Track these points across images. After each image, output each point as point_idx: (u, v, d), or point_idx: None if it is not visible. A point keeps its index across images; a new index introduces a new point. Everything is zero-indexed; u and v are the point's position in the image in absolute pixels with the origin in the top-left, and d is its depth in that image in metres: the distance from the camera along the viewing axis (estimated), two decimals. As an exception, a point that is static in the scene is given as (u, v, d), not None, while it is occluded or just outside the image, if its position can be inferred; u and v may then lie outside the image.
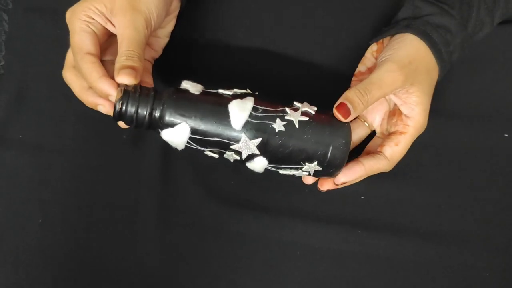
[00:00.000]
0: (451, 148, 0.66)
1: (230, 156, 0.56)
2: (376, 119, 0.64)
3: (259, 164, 0.56)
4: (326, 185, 0.61)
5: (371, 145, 0.64)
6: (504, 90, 0.68)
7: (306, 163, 0.55)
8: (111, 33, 0.59)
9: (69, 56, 0.59)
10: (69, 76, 0.59)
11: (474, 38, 0.62)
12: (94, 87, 0.55)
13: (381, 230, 0.64)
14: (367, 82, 0.57)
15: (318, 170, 0.56)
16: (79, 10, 0.56)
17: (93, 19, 0.57)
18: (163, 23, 0.61)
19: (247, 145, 0.54)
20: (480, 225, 0.65)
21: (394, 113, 0.62)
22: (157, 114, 0.54)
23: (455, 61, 0.62)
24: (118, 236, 0.64)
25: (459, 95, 0.68)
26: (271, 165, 0.56)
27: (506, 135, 0.67)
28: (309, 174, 0.57)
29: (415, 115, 0.59)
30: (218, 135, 0.54)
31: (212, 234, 0.64)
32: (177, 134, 0.55)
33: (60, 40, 0.65)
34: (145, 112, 0.54)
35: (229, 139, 0.54)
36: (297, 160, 0.55)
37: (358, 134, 0.64)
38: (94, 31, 0.57)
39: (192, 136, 0.54)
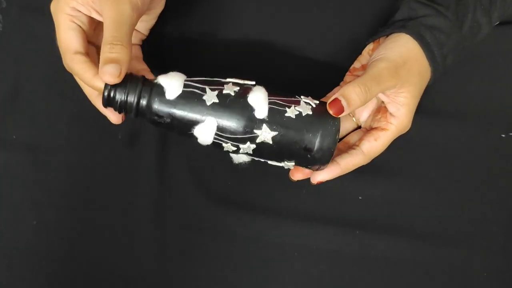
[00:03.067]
0: (448, 148, 0.66)
1: (229, 88, 0.55)
2: (363, 115, 0.63)
3: (260, 94, 0.55)
4: (297, 175, 0.60)
5: (350, 136, 0.64)
6: (500, 91, 0.68)
7: (303, 98, 0.56)
8: (98, 21, 0.57)
9: None
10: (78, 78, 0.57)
11: (474, 40, 0.62)
12: (91, 87, 0.55)
13: (378, 231, 0.64)
14: (367, 78, 0.57)
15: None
16: (63, 2, 0.55)
17: (78, 10, 0.55)
18: (151, 4, 0.59)
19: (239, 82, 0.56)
20: (477, 225, 0.65)
21: (380, 110, 0.62)
22: (144, 102, 0.54)
23: (450, 65, 0.62)
24: (114, 237, 0.63)
25: (455, 95, 0.68)
26: (272, 98, 0.55)
27: (503, 136, 0.67)
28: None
29: (400, 115, 0.59)
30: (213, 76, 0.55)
31: (208, 235, 0.64)
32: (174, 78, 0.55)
33: (54, 39, 0.64)
34: (133, 99, 0.54)
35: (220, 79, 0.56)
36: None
37: (344, 127, 0.64)
38: (79, 26, 0.55)
39: (187, 81, 0.55)
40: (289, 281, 0.63)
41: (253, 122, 0.54)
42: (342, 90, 0.56)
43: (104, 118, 0.65)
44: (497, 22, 0.64)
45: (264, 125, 0.54)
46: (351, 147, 0.61)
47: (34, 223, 0.63)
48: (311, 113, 0.55)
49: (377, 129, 0.60)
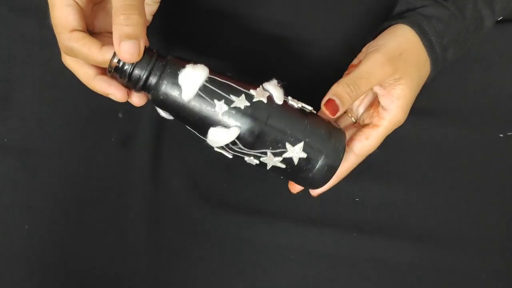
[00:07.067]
0: (445, 149, 0.66)
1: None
2: (359, 110, 0.62)
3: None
4: (297, 187, 0.60)
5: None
6: (498, 90, 0.68)
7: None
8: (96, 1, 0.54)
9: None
10: (71, 63, 0.53)
11: (478, 34, 0.60)
12: (98, 63, 0.50)
13: (375, 233, 0.63)
14: (356, 76, 0.55)
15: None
16: None
17: None
18: None
19: None
20: (475, 226, 0.64)
21: (372, 104, 0.60)
22: (154, 79, 0.50)
23: (452, 59, 0.60)
24: (107, 241, 0.62)
25: (453, 95, 0.67)
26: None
27: (501, 135, 0.66)
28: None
29: (393, 108, 0.58)
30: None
31: (204, 238, 0.63)
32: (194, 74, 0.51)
33: (46, 41, 0.64)
34: (142, 74, 0.50)
35: None
36: None
37: (341, 125, 0.62)
38: (76, 2, 0.50)
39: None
40: (285, 284, 0.63)
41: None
42: (333, 90, 0.55)
43: (97, 120, 0.64)
44: (501, 17, 0.62)
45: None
46: None
47: (26, 227, 0.62)
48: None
49: (369, 126, 0.59)
